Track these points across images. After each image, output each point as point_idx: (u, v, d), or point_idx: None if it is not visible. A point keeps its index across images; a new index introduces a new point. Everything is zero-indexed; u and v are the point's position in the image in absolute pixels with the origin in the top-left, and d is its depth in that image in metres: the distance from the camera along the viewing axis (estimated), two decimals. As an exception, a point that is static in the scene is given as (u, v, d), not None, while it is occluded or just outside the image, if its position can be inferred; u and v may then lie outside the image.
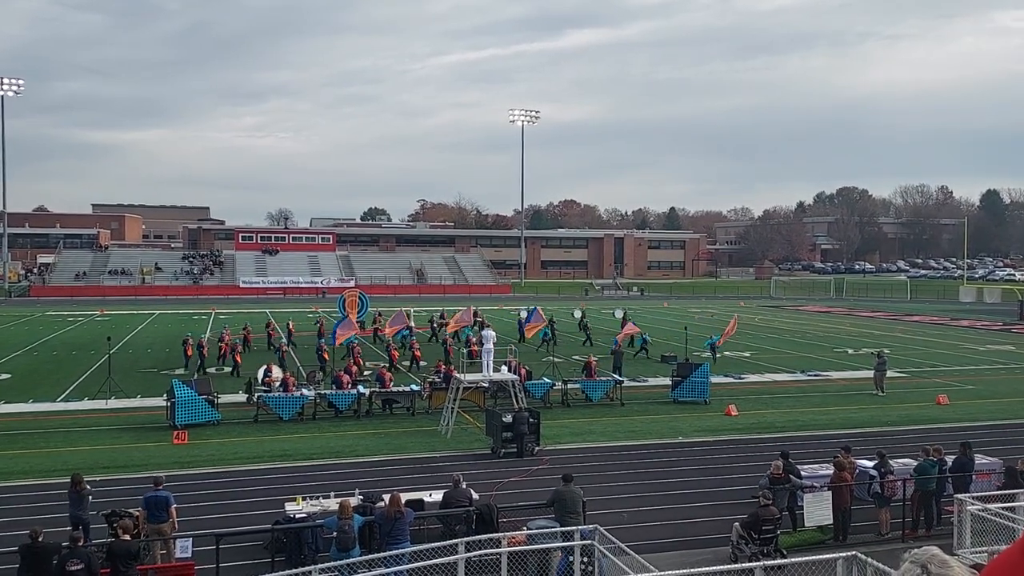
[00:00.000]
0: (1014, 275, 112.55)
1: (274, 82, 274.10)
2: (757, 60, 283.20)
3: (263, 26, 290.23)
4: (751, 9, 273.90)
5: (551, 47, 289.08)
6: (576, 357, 34.39)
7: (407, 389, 26.37)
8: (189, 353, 33.55)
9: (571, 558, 11.83)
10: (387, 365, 31.63)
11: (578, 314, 46.19)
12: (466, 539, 11.79)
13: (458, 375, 23.60)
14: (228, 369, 32.94)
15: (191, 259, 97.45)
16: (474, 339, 36.73)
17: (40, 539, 11.38)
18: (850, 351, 42.20)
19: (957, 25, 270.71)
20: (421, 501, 14.92)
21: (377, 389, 26.01)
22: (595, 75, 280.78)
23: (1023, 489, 14.57)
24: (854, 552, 10.38)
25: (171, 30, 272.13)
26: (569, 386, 27.72)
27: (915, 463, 16.22)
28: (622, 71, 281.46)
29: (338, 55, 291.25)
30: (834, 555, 10.42)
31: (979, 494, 14.25)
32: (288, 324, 43.58)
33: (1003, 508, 13.16)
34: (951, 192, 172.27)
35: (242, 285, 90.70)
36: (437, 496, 15.03)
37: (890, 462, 16.24)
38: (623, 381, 28.82)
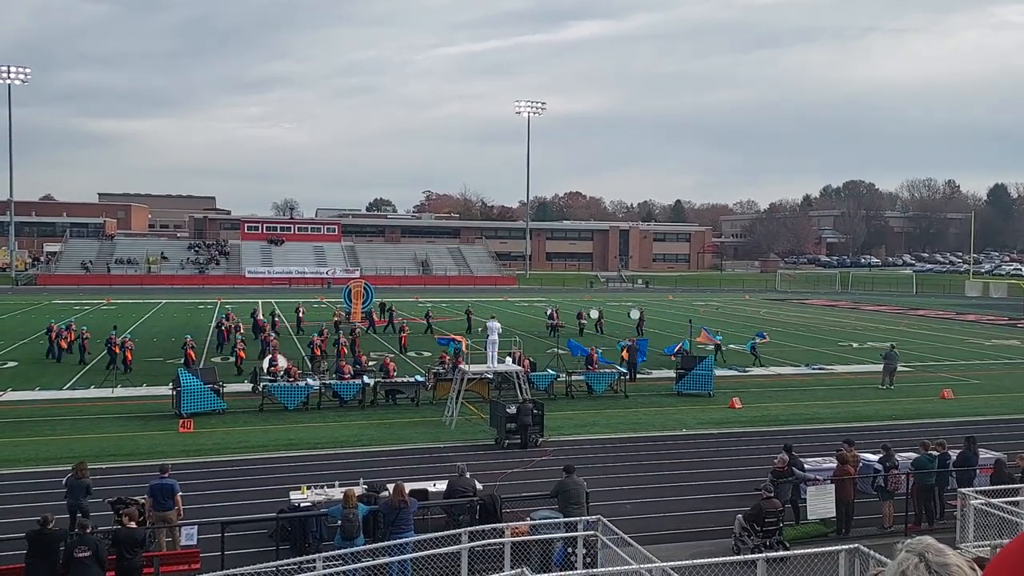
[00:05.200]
0: (1020, 270, 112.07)
1: (278, 73, 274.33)
2: (760, 53, 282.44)
3: (265, 17, 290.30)
4: (752, 3, 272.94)
5: (553, 39, 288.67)
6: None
7: (411, 380, 26.44)
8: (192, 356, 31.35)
9: (569, 548, 11.88)
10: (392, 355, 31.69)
11: (595, 314, 46.32)
12: (469, 529, 11.83)
13: (463, 366, 23.65)
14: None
15: (197, 249, 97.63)
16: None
17: (51, 526, 11.46)
18: (855, 345, 42.17)
19: (959, 19, 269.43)
20: (425, 491, 14.97)
21: (382, 379, 26.07)
22: (599, 67, 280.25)
23: (1009, 483, 14.58)
24: (857, 545, 10.40)
25: (176, 20, 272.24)
26: (573, 378, 27.77)
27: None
28: (625, 64, 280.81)
29: (340, 46, 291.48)
30: (837, 548, 10.44)
31: (982, 488, 14.25)
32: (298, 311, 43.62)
33: (1006, 502, 13.15)
34: (958, 186, 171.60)
35: (248, 275, 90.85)
36: (441, 486, 15.07)
37: (895, 456, 16.25)
38: (627, 374, 28.85)
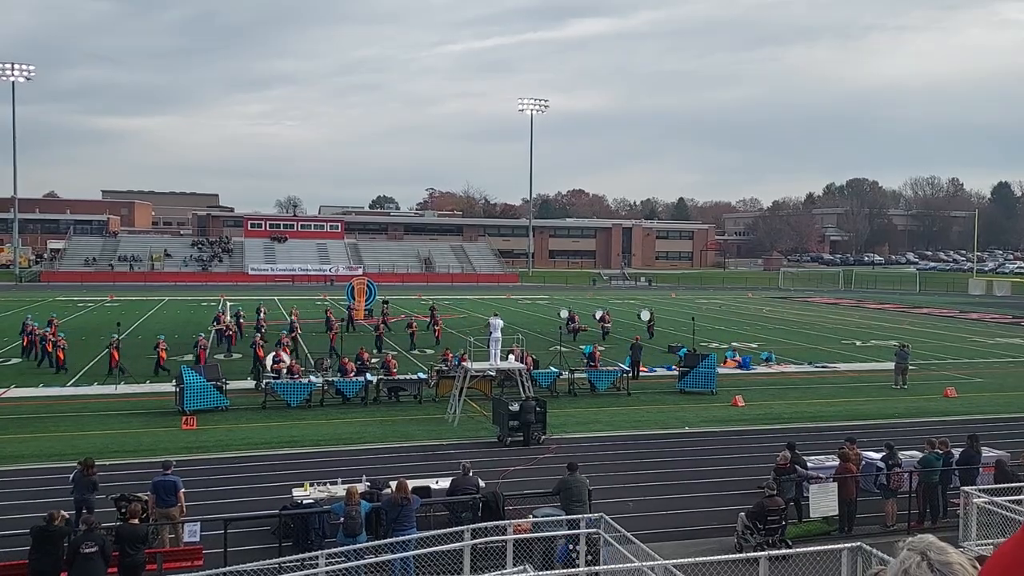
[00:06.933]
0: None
1: (281, 70, 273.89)
2: (763, 51, 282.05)
3: (268, 14, 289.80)
4: (755, 1, 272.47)
5: (557, 37, 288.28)
6: (582, 346, 34.39)
7: (414, 377, 26.46)
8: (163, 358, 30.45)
9: (572, 545, 11.88)
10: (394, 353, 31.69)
11: (600, 314, 46.10)
12: (472, 526, 11.85)
13: (466, 363, 23.66)
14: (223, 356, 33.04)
15: (200, 246, 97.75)
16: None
17: (57, 523, 11.47)
18: (858, 343, 42.12)
19: (962, 17, 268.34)
20: (427, 488, 14.99)
21: (385, 376, 26.10)
22: (602, 65, 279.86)
23: (1011, 482, 14.56)
24: (859, 543, 10.41)
25: (179, 18, 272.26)
26: (576, 375, 27.77)
27: (920, 455, 16.21)
28: (629, 61, 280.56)
29: (343, 44, 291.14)
30: (839, 546, 10.44)
31: (985, 487, 14.24)
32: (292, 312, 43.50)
33: (1009, 501, 13.14)
34: (962, 184, 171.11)
35: (251, 272, 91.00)
36: (443, 483, 15.10)
37: (898, 454, 16.24)
38: (630, 372, 28.81)
